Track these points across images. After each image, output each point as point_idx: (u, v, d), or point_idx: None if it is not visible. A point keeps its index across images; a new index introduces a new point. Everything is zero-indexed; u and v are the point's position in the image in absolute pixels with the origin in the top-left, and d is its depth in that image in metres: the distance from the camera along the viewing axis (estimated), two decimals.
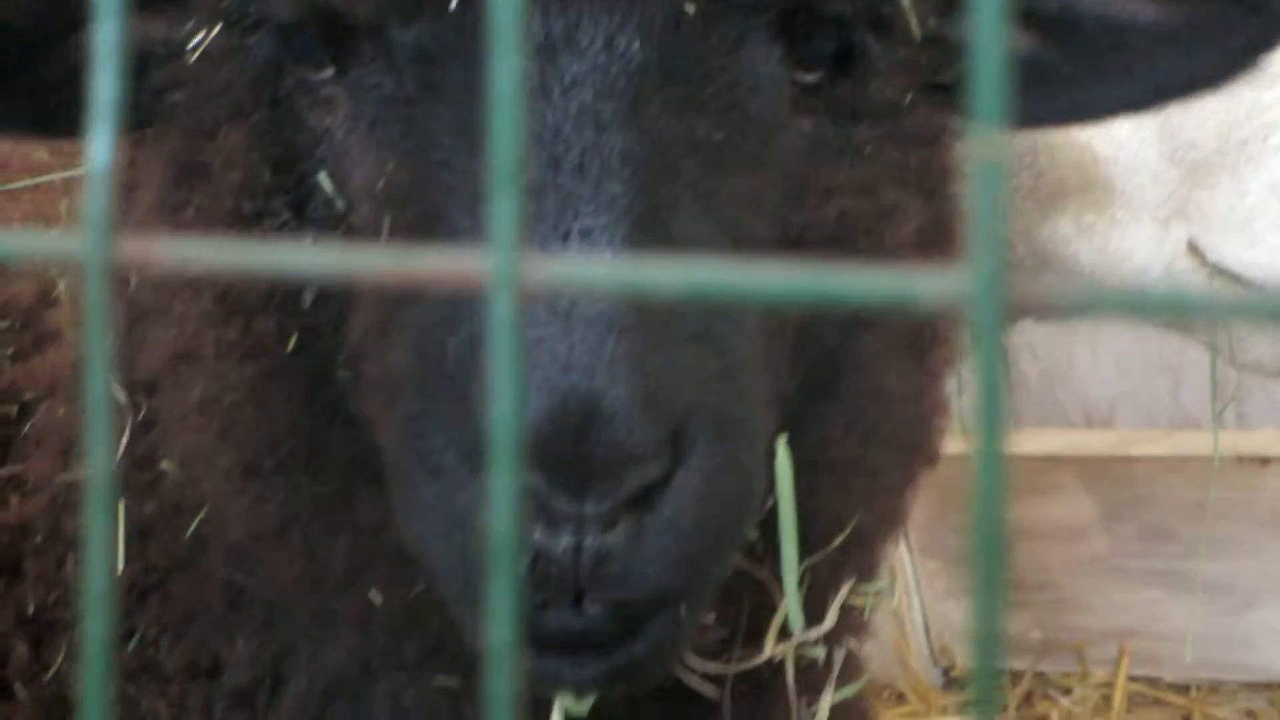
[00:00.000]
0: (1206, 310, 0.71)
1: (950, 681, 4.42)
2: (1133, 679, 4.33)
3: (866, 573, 1.93)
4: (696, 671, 1.75)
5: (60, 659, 1.97)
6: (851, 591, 1.88)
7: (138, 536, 1.87)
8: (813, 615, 1.79)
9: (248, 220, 1.66)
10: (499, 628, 0.75)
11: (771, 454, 1.60)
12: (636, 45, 1.52)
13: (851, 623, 1.97)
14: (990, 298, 0.66)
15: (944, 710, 4.28)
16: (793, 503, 1.63)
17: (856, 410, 1.75)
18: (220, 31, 1.65)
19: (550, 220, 1.44)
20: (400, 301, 1.54)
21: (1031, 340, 4.28)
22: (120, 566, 1.86)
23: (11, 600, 2.02)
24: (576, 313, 1.38)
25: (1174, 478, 4.14)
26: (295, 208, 1.64)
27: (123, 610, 1.91)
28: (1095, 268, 2.83)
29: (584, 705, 1.66)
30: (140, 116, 1.69)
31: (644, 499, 1.41)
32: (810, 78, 1.64)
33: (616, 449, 1.36)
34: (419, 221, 1.53)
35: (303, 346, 1.66)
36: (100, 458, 0.75)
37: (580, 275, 0.80)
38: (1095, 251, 2.82)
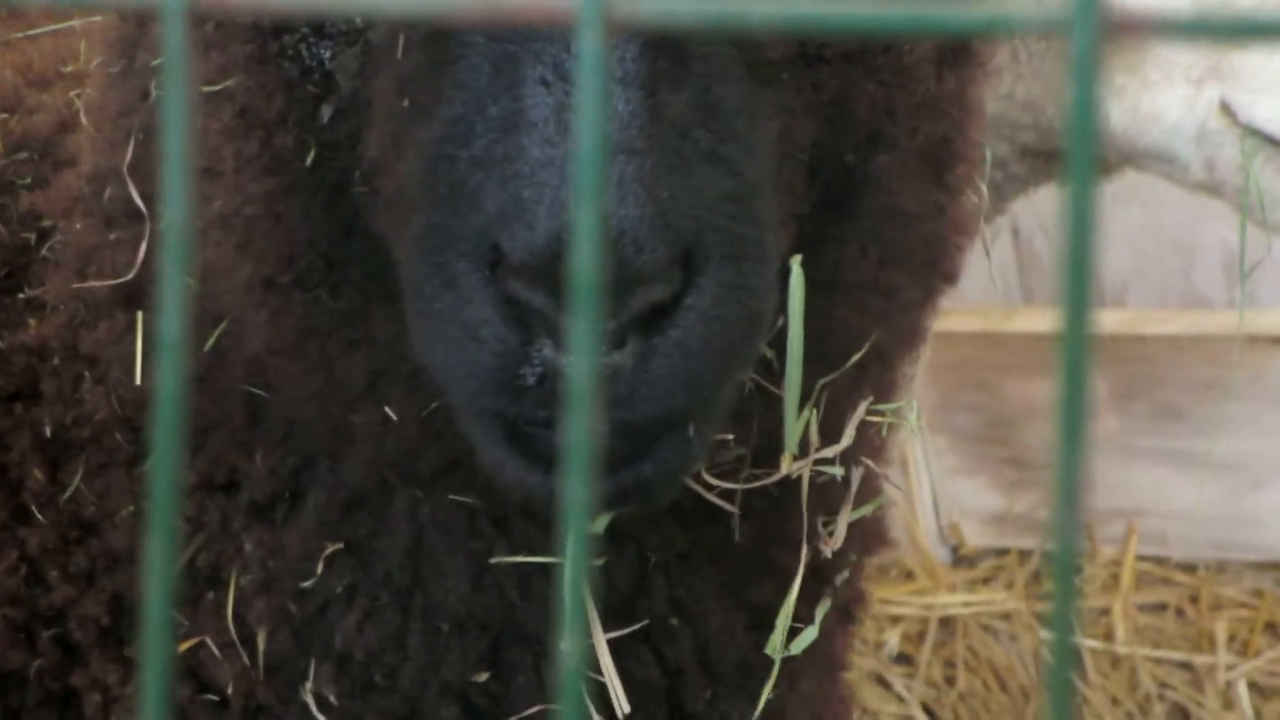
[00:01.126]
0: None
1: (959, 559, 4.43)
2: (1140, 558, 4.33)
3: (886, 392, 1.93)
4: (713, 489, 1.77)
5: (77, 479, 1.98)
6: (870, 411, 1.88)
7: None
8: (831, 433, 1.81)
9: (267, 34, 1.67)
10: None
11: (785, 273, 1.62)
12: None
13: (869, 442, 1.98)
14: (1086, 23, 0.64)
15: (952, 587, 4.29)
16: (802, 323, 1.63)
17: (873, 229, 1.75)
18: None
19: (561, 37, 1.44)
20: (414, 117, 1.54)
21: (1043, 219, 4.27)
22: (138, 379, 1.88)
23: (28, 423, 2.02)
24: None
25: (1186, 356, 4.12)
26: (314, 23, 1.65)
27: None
28: (1126, 130, 2.83)
29: (599, 523, 1.68)
30: None
31: (653, 319, 1.43)
32: None
33: (624, 268, 1.38)
34: (432, 37, 1.53)
35: (320, 162, 1.67)
36: (176, 209, 0.75)
37: (668, 13, 0.77)
38: (1127, 113, 2.82)
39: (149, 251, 1.85)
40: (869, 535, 2.11)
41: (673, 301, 1.43)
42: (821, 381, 1.75)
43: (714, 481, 1.77)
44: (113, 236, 1.89)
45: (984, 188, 1.99)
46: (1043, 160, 3.08)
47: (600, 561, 1.78)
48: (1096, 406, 4.17)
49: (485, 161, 1.43)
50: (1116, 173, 3.13)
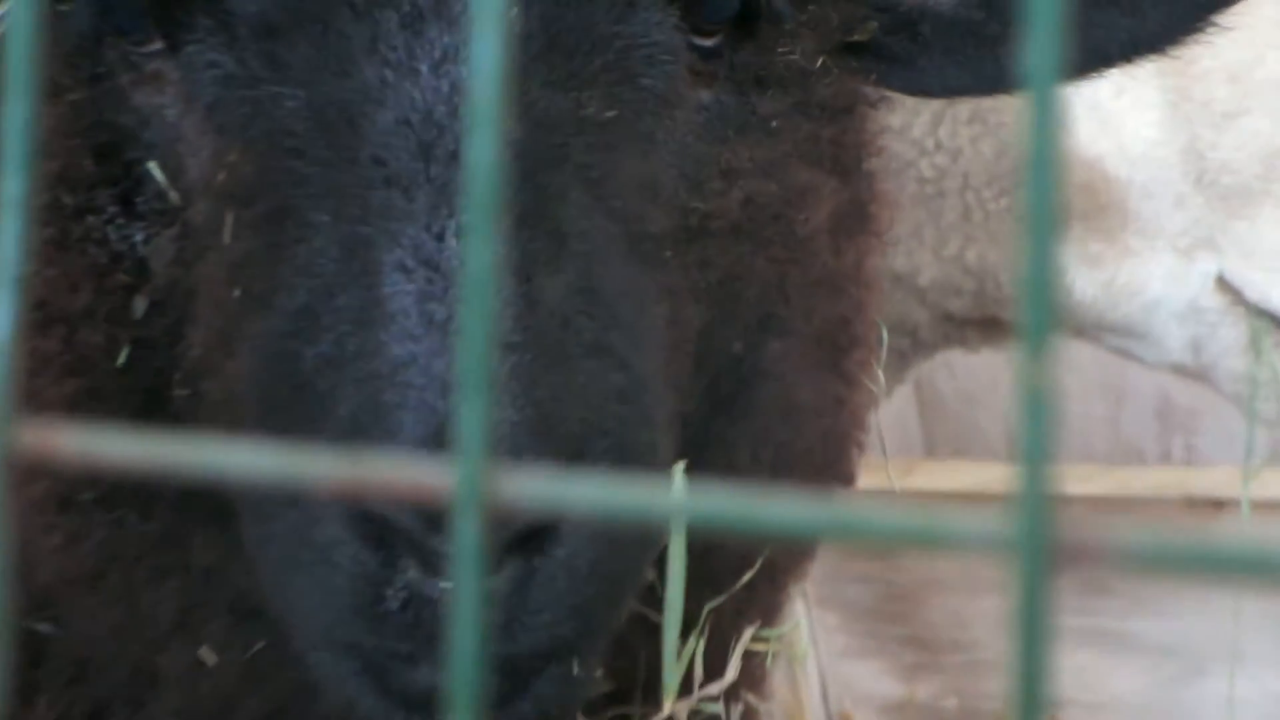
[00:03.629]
0: None
1: None
2: None
3: (770, 616, 1.90)
4: None
5: None
6: (754, 638, 1.85)
7: None
8: (713, 664, 1.77)
9: (69, 216, 1.61)
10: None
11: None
12: (515, 12, 1.51)
13: (752, 673, 1.92)
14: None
15: None
16: (684, 552, 1.57)
17: (765, 429, 1.73)
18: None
19: (422, 218, 1.42)
20: (247, 309, 1.52)
21: (949, 358, 4.08)
22: None
23: None
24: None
25: (1116, 521, 3.73)
26: (123, 201, 1.60)
27: None
28: (1096, 302, 2.76)
29: None
30: None
31: (533, 539, 1.37)
32: (709, 42, 1.62)
33: None
34: (267, 218, 1.50)
35: (134, 361, 1.62)
36: None
37: (557, 494, 0.73)
38: (1099, 285, 2.75)
39: None
40: None
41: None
42: (708, 606, 1.72)
43: None
44: None
45: (880, 374, 1.96)
46: (966, 326, 3.01)
47: None
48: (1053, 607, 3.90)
49: (336, 359, 1.41)
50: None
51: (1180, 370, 2.90)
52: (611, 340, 1.48)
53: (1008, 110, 2.69)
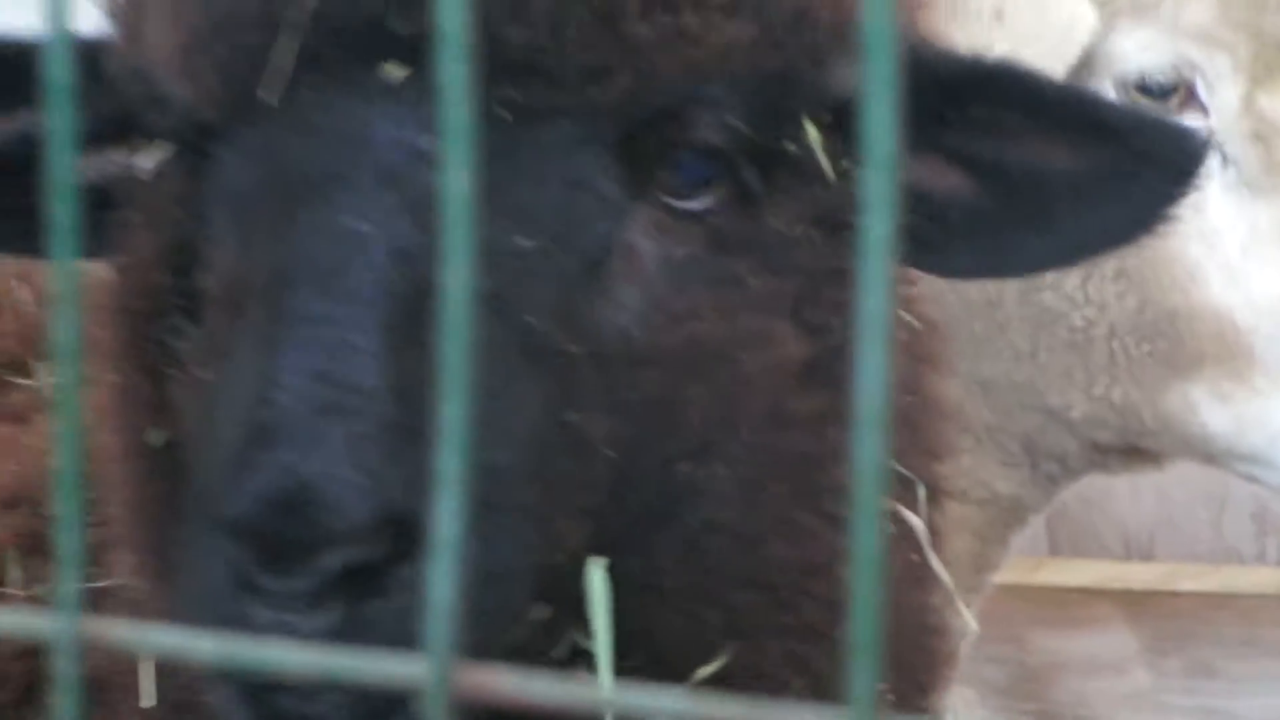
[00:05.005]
0: None
1: None
2: None
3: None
4: None
5: None
6: None
7: None
8: None
9: (141, 321, 1.64)
10: None
11: (578, 572, 1.50)
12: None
13: None
14: None
15: None
16: (608, 630, 1.51)
17: (691, 542, 1.61)
18: (154, 146, 1.65)
19: (315, 315, 1.42)
20: (206, 389, 1.51)
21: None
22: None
23: None
24: (314, 396, 1.36)
25: (1219, 613, 4.04)
26: (189, 312, 1.61)
27: None
28: (1225, 433, 2.78)
29: None
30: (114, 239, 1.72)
31: (355, 583, 1.34)
32: (685, 204, 1.55)
33: (315, 525, 1.32)
34: (232, 314, 1.49)
35: (173, 444, 1.62)
36: None
37: (519, 687, 0.74)
38: (1230, 419, 2.77)
39: None
40: None
41: (380, 567, 1.35)
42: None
43: None
44: None
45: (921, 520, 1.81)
46: (1110, 454, 3.00)
47: None
48: (1127, 661, 4.11)
49: (226, 427, 1.39)
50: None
51: (1227, 468, 2.88)
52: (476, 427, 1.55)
53: (1149, 268, 2.71)
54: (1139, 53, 2.72)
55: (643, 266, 1.55)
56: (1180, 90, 2.70)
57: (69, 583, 0.74)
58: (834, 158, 1.60)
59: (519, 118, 1.47)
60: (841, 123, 1.59)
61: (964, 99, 1.71)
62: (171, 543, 1.63)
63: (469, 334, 0.67)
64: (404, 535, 1.34)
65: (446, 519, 0.71)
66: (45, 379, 2.51)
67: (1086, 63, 2.71)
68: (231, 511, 1.34)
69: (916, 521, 1.87)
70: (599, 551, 1.52)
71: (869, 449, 0.66)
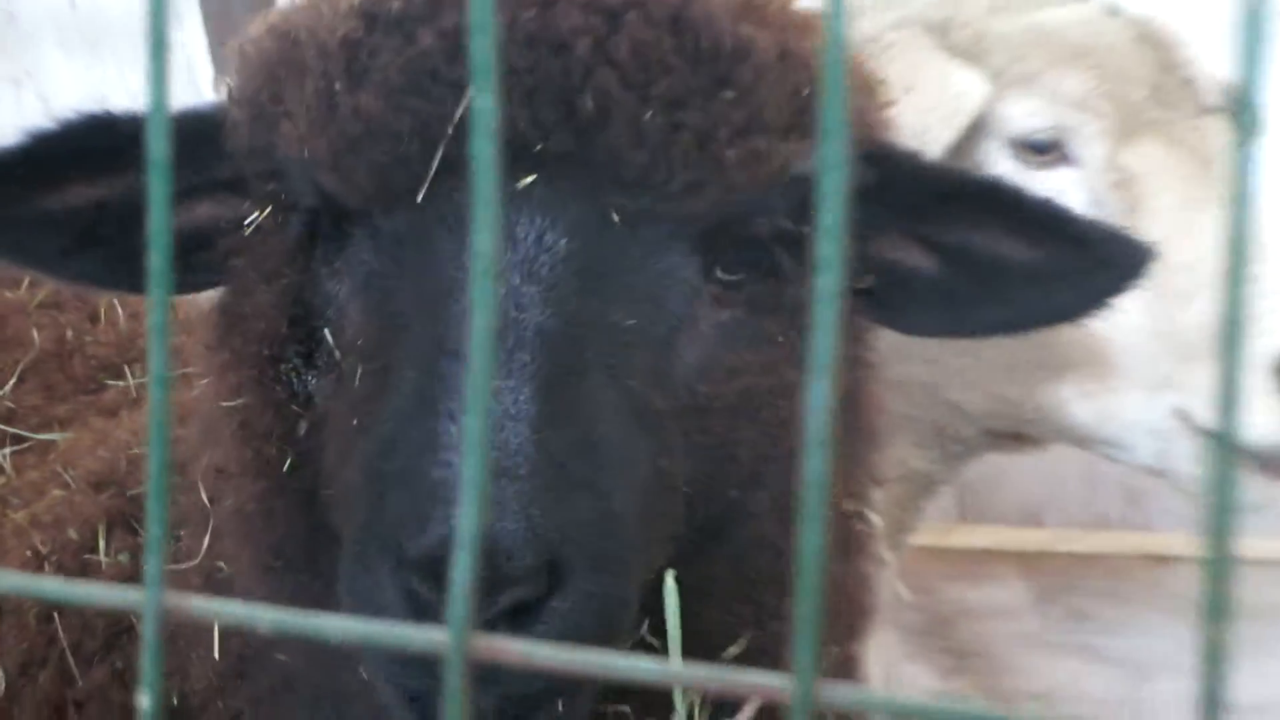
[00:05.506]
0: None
1: None
2: None
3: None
4: None
5: None
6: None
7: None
8: None
9: (265, 361, 1.62)
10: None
11: (659, 583, 1.50)
12: (563, 241, 1.45)
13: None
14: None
15: None
16: (679, 626, 1.50)
17: (742, 555, 1.63)
18: (269, 212, 1.62)
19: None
20: (358, 434, 1.49)
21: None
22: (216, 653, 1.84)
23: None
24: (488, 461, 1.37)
25: (1093, 570, 4.06)
26: (304, 355, 1.60)
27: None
28: (1088, 423, 2.79)
29: None
30: (210, 275, 1.70)
31: (521, 614, 1.34)
32: (732, 277, 1.55)
33: (495, 571, 1.31)
34: (382, 372, 1.48)
35: (296, 468, 1.61)
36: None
37: (534, 655, 0.74)
38: (1091, 413, 2.77)
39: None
40: None
41: (539, 601, 1.35)
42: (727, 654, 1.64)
43: None
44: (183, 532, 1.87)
45: (874, 517, 1.85)
46: (1004, 438, 2.99)
47: None
48: (1020, 609, 4.10)
49: (403, 476, 1.38)
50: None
51: (1148, 470, 2.89)
52: (600, 479, 1.41)
53: None
54: (1025, 118, 2.71)
55: (701, 332, 1.55)
56: (1057, 147, 2.69)
57: (155, 562, 0.74)
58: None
59: (625, 220, 1.48)
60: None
61: (948, 199, 1.70)
62: (288, 543, 1.66)
63: (491, 361, 0.66)
64: (555, 575, 1.35)
65: (468, 518, 0.70)
66: (133, 381, 2.50)
67: (980, 124, 2.69)
68: (415, 551, 1.32)
69: (877, 520, 1.91)
70: (668, 564, 1.50)
71: (815, 462, 0.66)
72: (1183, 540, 4.02)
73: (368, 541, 1.39)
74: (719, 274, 1.55)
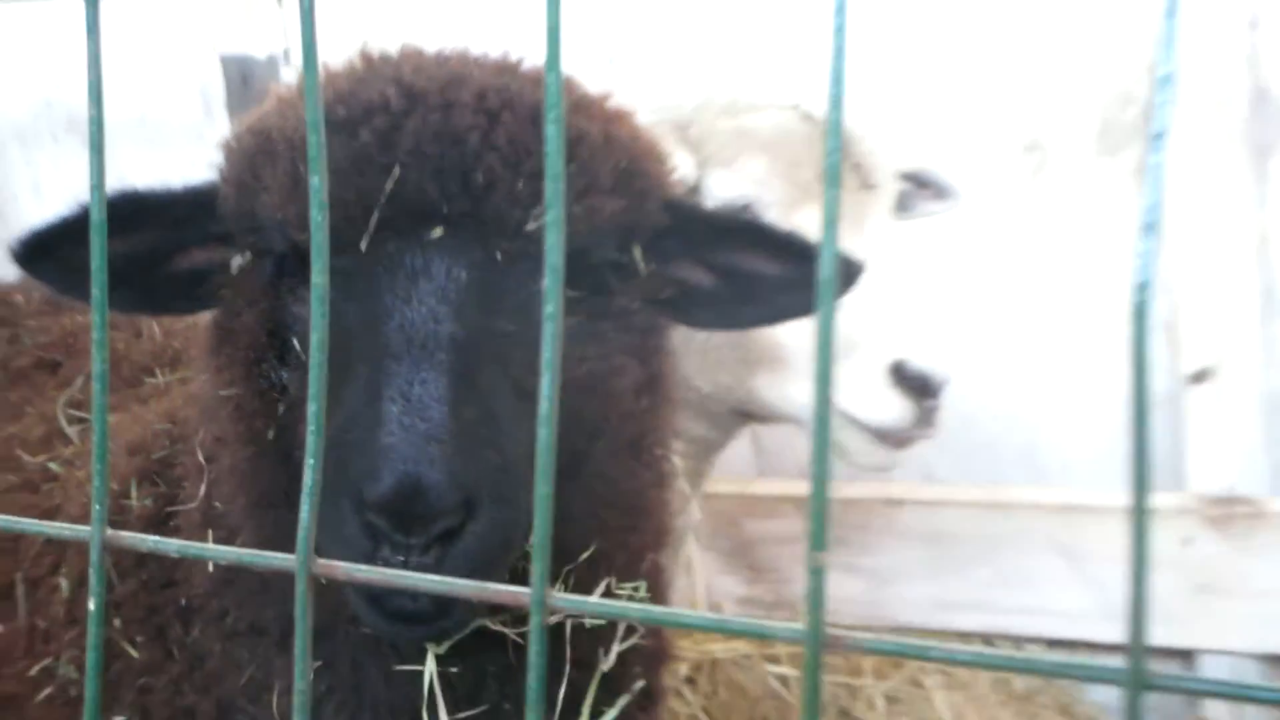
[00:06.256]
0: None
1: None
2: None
3: (621, 573, 1.75)
4: (494, 627, 1.64)
5: (196, 631, 1.92)
6: (616, 588, 1.73)
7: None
8: (580, 587, 1.67)
9: (251, 362, 1.61)
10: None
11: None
12: (464, 273, 1.47)
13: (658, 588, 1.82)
14: None
15: (715, 640, 3.92)
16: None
17: (589, 492, 1.64)
18: (250, 258, 1.63)
19: (404, 375, 1.39)
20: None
21: (758, 431, 4.01)
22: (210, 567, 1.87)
23: (173, 597, 1.98)
24: (417, 429, 1.34)
25: (850, 511, 4.07)
26: (279, 357, 1.59)
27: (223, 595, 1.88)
28: (775, 405, 2.77)
29: (442, 648, 1.60)
30: (207, 302, 1.70)
31: (447, 537, 1.35)
32: (577, 293, 1.55)
33: (428, 508, 1.32)
34: (338, 369, 1.44)
35: (277, 437, 1.60)
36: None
37: (356, 574, 0.72)
38: (777, 397, 2.76)
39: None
40: (650, 656, 1.89)
41: (460, 526, 1.35)
42: (567, 567, 1.65)
43: (495, 624, 1.63)
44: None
45: (678, 460, 1.87)
46: (729, 418, 2.94)
47: (452, 669, 1.65)
48: (797, 536, 4.11)
49: (359, 445, 1.37)
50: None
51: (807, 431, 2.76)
52: (498, 440, 1.40)
53: None
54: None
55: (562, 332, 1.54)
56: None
57: (305, 535, 0.72)
58: (648, 263, 1.64)
59: (506, 259, 1.49)
60: (650, 245, 1.64)
61: (720, 232, 1.72)
62: (271, 490, 1.65)
63: (324, 360, 0.67)
64: (469, 509, 1.35)
65: (309, 480, 0.71)
66: (162, 379, 2.50)
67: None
68: (373, 496, 1.33)
69: (679, 461, 1.98)
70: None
71: (545, 432, 0.68)
72: (906, 487, 4.00)
73: (336, 489, 1.37)
74: (569, 292, 1.55)
